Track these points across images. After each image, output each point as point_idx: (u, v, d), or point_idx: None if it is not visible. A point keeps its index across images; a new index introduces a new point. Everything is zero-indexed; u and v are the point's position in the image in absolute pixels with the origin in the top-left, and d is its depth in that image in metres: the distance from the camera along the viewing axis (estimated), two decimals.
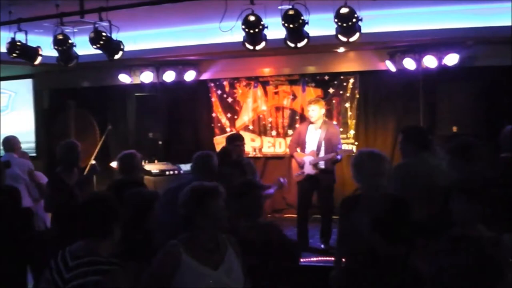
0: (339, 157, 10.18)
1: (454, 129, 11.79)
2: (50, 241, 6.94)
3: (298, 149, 10.61)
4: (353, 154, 8.71)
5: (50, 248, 5.14)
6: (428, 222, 5.17)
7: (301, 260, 9.54)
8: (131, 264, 4.42)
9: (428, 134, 7.33)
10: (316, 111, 10.29)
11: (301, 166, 10.38)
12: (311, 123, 10.40)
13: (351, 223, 5.58)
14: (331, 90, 13.00)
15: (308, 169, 10.31)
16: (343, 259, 6.00)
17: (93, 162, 10.32)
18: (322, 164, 10.29)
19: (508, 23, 9.56)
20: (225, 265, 4.48)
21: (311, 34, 7.91)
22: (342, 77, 12.97)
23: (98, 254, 4.26)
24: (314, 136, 10.35)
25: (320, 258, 9.40)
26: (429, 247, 4.40)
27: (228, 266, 4.49)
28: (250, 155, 12.99)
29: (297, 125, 12.68)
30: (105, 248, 4.34)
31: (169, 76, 13.18)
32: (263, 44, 8.06)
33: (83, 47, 9.03)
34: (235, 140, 9.49)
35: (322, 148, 10.24)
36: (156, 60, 12.68)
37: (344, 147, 11.75)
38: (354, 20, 7.43)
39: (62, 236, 5.89)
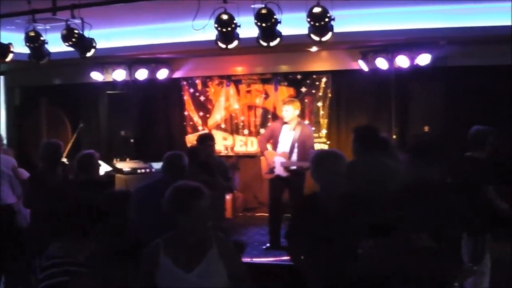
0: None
1: (426, 128, 11.90)
2: (28, 240, 6.96)
3: (269, 146, 10.62)
4: None
5: (28, 247, 5.15)
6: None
7: (270, 259, 9.63)
8: (119, 265, 4.42)
9: (378, 134, 7.36)
10: (289, 112, 10.26)
11: (271, 166, 10.39)
12: (285, 123, 10.40)
13: (306, 221, 5.67)
14: (303, 89, 13.04)
15: (279, 171, 10.29)
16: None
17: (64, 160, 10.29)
18: (293, 166, 10.29)
19: (479, 24, 9.68)
20: (202, 267, 4.41)
21: (283, 33, 7.94)
22: (314, 76, 13.02)
23: (73, 255, 4.24)
24: (287, 137, 10.30)
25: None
26: (366, 250, 4.47)
27: (205, 268, 4.41)
28: (222, 154, 13.02)
29: (269, 124, 12.68)
30: (81, 250, 4.33)
31: (142, 74, 13.14)
32: (235, 42, 8.07)
33: (55, 44, 9.00)
34: (206, 140, 9.49)
35: (295, 151, 10.23)
36: (129, 58, 12.63)
37: (317, 147, 11.80)
38: (326, 19, 7.46)
39: (40, 235, 5.89)
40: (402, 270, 4.05)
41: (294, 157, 10.21)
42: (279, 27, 7.73)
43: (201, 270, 4.40)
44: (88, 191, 5.50)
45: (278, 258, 9.57)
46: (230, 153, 13.67)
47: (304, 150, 10.16)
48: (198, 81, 13.83)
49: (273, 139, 10.51)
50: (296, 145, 10.19)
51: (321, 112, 12.98)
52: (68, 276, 4.10)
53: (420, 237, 4.30)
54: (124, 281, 4.54)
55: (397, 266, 4.06)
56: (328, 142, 12.87)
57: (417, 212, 4.38)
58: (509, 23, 9.56)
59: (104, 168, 10.99)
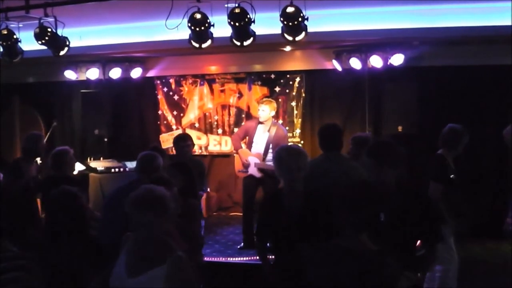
0: None
1: (400, 128, 11.94)
2: None
3: (243, 145, 10.64)
4: None
5: None
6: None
7: (244, 258, 9.65)
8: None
9: (339, 134, 7.43)
10: (266, 112, 10.30)
11: (245, 166, 10.41)
12: (260, 123, 10.43)
13: (270, 219, 5.72)
14: (277, 89, 13.08)
15: (253, 171, 10.31)
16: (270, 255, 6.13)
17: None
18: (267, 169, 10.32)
19: (452, 24, 9.75)
20: (143, 278, 4.26)
21: (257, 33, 7.96)
22: (288, 75, 13.06)
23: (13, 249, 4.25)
24: (262, 138, 10.34)
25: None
26: (308, 253, 4.50)
27: (146, 280, 4.25)
28: (196, 153, 13.01)
29: (243, 123, 12.74)
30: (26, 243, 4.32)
31: (115, 72, 13.07)
32: (209, 42, 8.09)
33: (29, 42, 8.96)
34: (182, 141, 9.46)
35: (269, 152, 10.26)
36: (102, 56, 12.57)
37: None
38: (300, 19, 7.48)
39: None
40: (342, 273, 4.08)
41: (269, 158, 10.24)
42: (252, 27, 7.75)
43: (142, 281, 4.27)
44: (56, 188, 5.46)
45: (252, 258, 9.59)
46: (204, 153, 13.68)
47: None
48: (172, 80, 13.82)
49: (248, 138, 10.54)
50: (270, 146, 10.22)
51: (295, 112, 13.02)
52: (17, 270, 4.06)
53: (361, 240, 4.30)
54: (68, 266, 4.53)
55: (337, 269, 4.10)
56: (302, 142, 12.90)
57: (361, 214, 4.35)
58: (480, 24, 9.68)
59: (77, 167, 10.95)
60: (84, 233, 5.08)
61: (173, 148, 9.58)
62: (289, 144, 10.64)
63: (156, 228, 4.35)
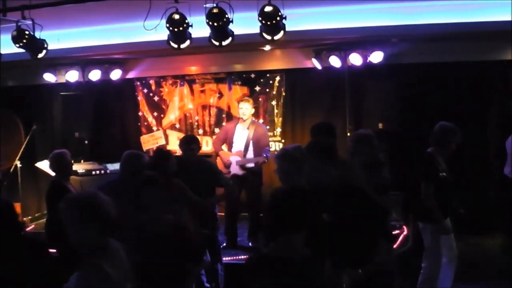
0: (266, 160, 10.22)
1: (380, 125, 12.01)
2: None
3: (225, 147, 10.64)
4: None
5: None
6: None
7: (227, 258, 9.64)
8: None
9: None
10: (249, 109, 10.39)
11: (227, 166, 10.42)
12: (239, 122, 10.44)
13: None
14: (257, 88, 13.09)
15: (235, 170, 10.34)
16: None
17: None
18: (250, 165, 10.34)
19: (431, 21, 9.80)
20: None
21: (236, 33, 7.98)
22: (268, 75, 13.07)
23: None
24: (241, 136, 10.39)
25: (248, 256, 9.42)
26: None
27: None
28: (176, 154, 12.98)
29: (223, 124, 12.77)
30: None
31: (95, 75, 13.02)
32: (187, 42, 8.10)
33: (6, 45, 8.92)
34: (186, 144, 8.86)
35: (250, 149, 10.29)
36: (82, 58, 12.51)
37: (272, 145, 11.87)
38: (278, 18, 7.51)
39: None
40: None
41: (250, 155, 10.26)
42: (231, 27, 7.77)
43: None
44: None
45: (234, 257, 9.63)
46: None
47: (259, 148, 10.24)
48: (152, 81, 13.79)
49: (228, 140, 10.56)
50: (251, 143, 10.27)
51: (275, 111, 13.03)
52: None
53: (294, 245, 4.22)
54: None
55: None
56: (283, 141, 12.92)
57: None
58: (459, 21, 9.73)
59: None
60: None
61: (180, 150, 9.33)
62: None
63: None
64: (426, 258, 7.81)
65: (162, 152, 8.33)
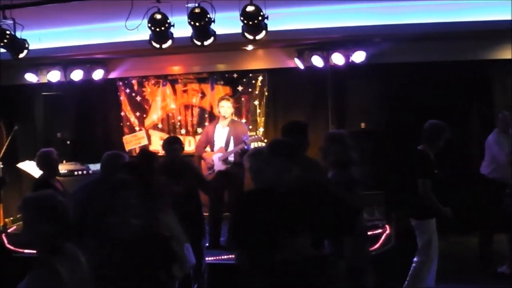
0: (246, 147, 10.19)
1: (363, 125, 12.04)
2: None
3: (208, 148, 10.64)
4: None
5: None
6: None
7: (210, 258, 9.64)
8: None
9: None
10: (229, 108, 10.40)
11: (210, 167, 10.42)
12: (219, 121, 10.45)
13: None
14: (240, 88, 13.09)
15: (218, 166, 10.36)
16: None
17: None
18: (231, 157, 10.34)
19: (414, 21, 9.84)
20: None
21: (218, 33, 7.99)
22: (251, 74, 13.09)
23: None
24: (222, 134, 10.40)
25: (231, 256, 9.42)
26: None
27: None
28: (159, 154, 12.96)
29: (206, 123, 12.75)
30: None
31: (77, 75, 12.96)
32: (169, 42, 8.10)
33: None
34: (169, 144, 8.92)
35: (231, 144, 10.31)
36: (64, 58, 12.46)
37: (254, 145, 11.87)
38: (260, 18, 7.53)
39: None
40: None
41: (230, 149, 10.28)
42: (213, 26, 7.77)
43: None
44: None
45: (217, 257, 9.64)
46: None
47: (239, 141, 10.26)
48: (134, 81, 13.75)
49: (209, 140, 10.56)
50: (231, 138, 10.30)
51: (258, 111, 13.04)
52: None
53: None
54: None
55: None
56: (266, 141, 12.91)
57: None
58: (441, 20, 9.78)
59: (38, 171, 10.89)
60: None
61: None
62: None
63: None
64: (419, 254, 7.87)
65: (146, 152, 8.32)
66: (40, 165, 8.28)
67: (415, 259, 7.89)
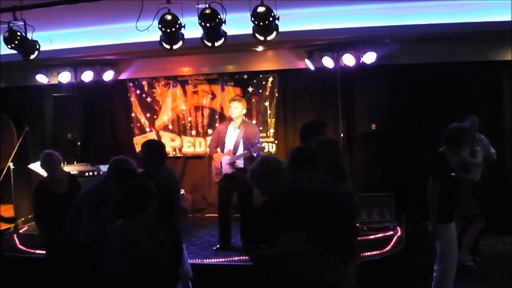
0: (254, 154, 10.14)
1: (373, 126, 12.02)
2: None
3: (218, 149, 10.62)
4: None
5: None
6: None
7: (220, 260, 9.62)
8: None
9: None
10: (238, 109, 10.30)
11: (218, 168, 10.39)
12: (231, 120, 10.40)
13: None
14: (250, 89, 13.08)
15: (226, 169, 10.30)
16: None
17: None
18: (240, 164, 10.29)
19: (424, 22, 9.80)
20: None
21: (228, 33, 7.96)
22: (261, 76, 13.06)
23: None
24: (232, 136, 10.34)
25: (241, 258, 9.40)
26: None
27: None
28: (170, 155, 12.96)
29: (216, 124, 12.74)
30: None
31: (87, 76, 13.01)
32: (180, 43, 8.07)
33: None
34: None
35: (240, 147, 10.24)
36: (74, 60, 12.50)
37: (264, 146, 11.84)
38: (271, 19, 7.49)
39: None
40: None
41: (239, 152, 10.23)
42: (223, 27, 7.75)
43: None
44: None
45: (228, 259, 9.60)
46: (178, 154, 13.66)
47: (249, 146, 10.21)
48: (144, 82, 13.76)
49: (220, 141, 10.52)
50: (241, 142, 10.23)
51: (268, 112, 13.02)
52: None
53: None
54: None
55: None
56: (276, 142, 12.92)
57: None
58: (450, 21, 9.73)
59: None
60: None
61: None
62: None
63: None
64: (439, 262, 7.71)
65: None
66: (42, 166, 8.56)
67: (435, 267, 7.77)
